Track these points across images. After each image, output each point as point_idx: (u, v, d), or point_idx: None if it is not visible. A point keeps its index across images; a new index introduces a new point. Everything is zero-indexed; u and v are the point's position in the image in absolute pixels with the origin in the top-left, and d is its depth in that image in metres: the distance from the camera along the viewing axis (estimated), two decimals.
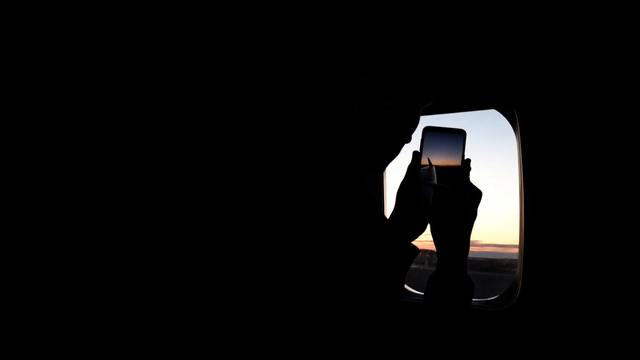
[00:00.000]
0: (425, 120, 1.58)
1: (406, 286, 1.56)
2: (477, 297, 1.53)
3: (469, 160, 0.90)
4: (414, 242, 0.92)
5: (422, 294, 0.98)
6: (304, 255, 0.83)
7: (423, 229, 0.90)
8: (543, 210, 1.35)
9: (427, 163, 0.90)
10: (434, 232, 0.93)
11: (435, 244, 0.93)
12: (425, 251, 1.03)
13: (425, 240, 0.95)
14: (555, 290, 1.32)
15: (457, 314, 0.89)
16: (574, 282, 1.30)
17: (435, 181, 0.88)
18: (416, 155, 0.92)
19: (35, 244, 1.47)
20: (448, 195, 0.88)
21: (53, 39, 1.57)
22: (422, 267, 1.56)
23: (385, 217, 1.01)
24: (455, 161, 0.88)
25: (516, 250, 1.45)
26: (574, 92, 1.31)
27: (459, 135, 0.87)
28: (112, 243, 1.37)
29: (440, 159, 0.89)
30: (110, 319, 1.24)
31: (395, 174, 1.59)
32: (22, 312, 1.41)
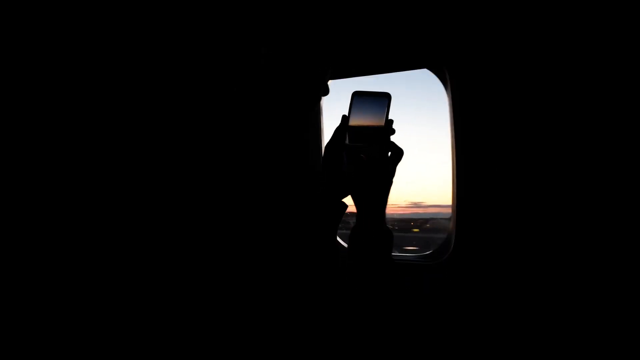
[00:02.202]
0: (360, 82, 1.60)
1: (341, 241, 1.60)
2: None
3: (391, 121, 0.92)
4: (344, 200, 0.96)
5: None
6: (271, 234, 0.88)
7: (350, 188, 0.94)
8: (474, 169, 1.40)
9: (355, 124, 0.93)
10: (355, 188, 0.96)
11: (355, 198, 0.96)
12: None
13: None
14: (486, 244, 1.40)
15: (381, 262, 0.93)
16: (503, 235, 1.38)
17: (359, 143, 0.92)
18: (344, 119, 0.95)
19: (35, 243, 1.47)
20: (370, 154, 0.92)
21: (53, 39, 1.54)
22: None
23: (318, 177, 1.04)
24: (379, 122, 0.91)
25: None
26: (504, 51, 1.34)
27: (384, 98, 0.90)
28: (111, 242, 1.37)
29: (366, 120, 0.92)
30: (110, 318, 1.24)
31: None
32: (22, 311, 1.41)
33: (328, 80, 1.06)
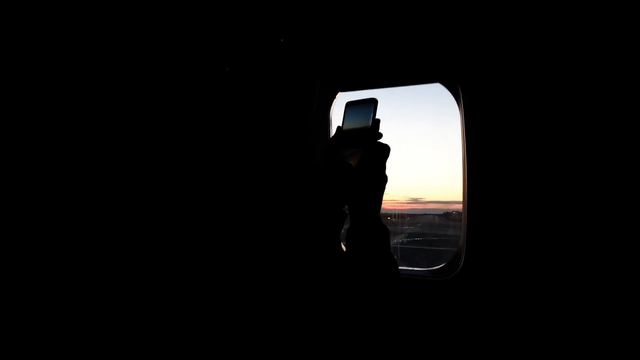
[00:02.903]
0: (372, 94, 1.60)
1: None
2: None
3: (377, 121, 0.95)
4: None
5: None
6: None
7: (349, 195, 0.95)
8: (485, 181, 1.39)
9: (348, 129, 0.99)
10: (352, 192, 0.97)
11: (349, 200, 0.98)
12: None
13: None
14: (497, 259, 1.38)
15: (380, 260, 0.93)
16: (514, 250, 1.36)
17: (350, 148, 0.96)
18: (337, 129, 1.00)
19: (35, 243, 1.46)
20: (358, 155, 0.95)
21: (53, 39, 1.55)
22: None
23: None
24: (367, 124, 0.95)
25: (457, 206, 1.50)
26: (514, 65, 1.35)
27: (370, 103, 0.96)
28: (111, 242, 1.35)
29: (356, 125, 0.97)
30: (110, 318, 1.22)
31: None
32: (22, 311, 1.40)
33: (317, 96, 1.08)
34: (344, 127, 0.99)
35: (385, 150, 0.96)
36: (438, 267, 1.56)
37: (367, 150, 0.94)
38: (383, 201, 0.99)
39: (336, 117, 1.71)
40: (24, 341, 1.36)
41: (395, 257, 0.95)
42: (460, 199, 1.49)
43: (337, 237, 0.95)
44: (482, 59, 1.38)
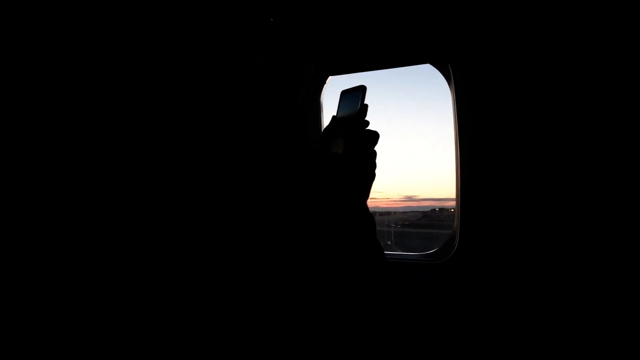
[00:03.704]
0: (365, 76, 1.58)
1: None
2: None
3: (365, 107, 0.94)
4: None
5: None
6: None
7: (349, 188, 0.93)
8: (478, 165, 1.38)
9: (341, 117, 0.99)
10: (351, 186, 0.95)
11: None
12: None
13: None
14: (490, 241, 1.38)
15: (368, 247, 0.92)
16: (507, 232, 1.36)
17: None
18: (332, 118, 1.01)
19: (35, 243, 1.44)
20: (345, 142, 0.94)
21: (53, 39, 1.53)
22: None
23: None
24: (355, 111, 0.95)
25: (451, 203, 1.49)
26: (507, 47, 1.33)
27: (359, 91, 0.96)
28: (111, 243, 1.35)
29: (346, 112, 0.97)
30: (110, 319, 1.22)
31: None
32: (22, 311, 1.39)
33: (306, 82, 1.07)
34: (338, 116, 0.99)
35: (373, 137, 0.95)
36: (432, 251, 1.56)
37: (353, 137, 0.93)
38: (377, 199, 0.98)
39: (327, 102, 1.69)
40: (23, 341, 1.36)
41: (381, 244, 0.94)
42: (454, 194, 1.48)
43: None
44: (473, 39, 1.36)
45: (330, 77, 1.64)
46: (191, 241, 0.92)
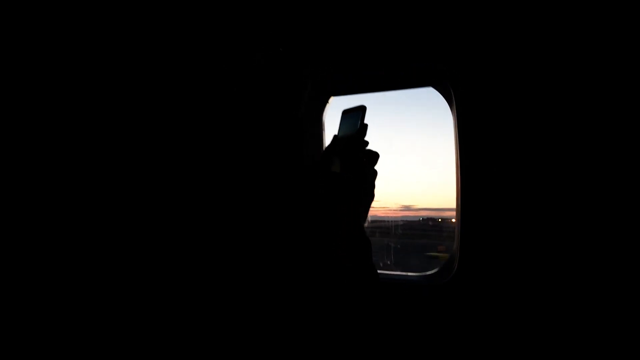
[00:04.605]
0: (365, 98, 1.60)
1: None
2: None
3: (364, 127, 0.94)
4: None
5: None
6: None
7: (334, 202, 0.91)
8: (478, 185, 1.39)
9: (341, 137, 0.99)
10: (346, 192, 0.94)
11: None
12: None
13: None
14: (491, 264, 1.37)
15: (364, 271, 0.89)
16: (508, 253, 1.35)
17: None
18: (333, 137, 1.00)
19: (35, 243, 1.45)
20: (344, 162, 0.93)
21: (53, 39, 1.55)
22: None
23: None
24: (355, 131, 0.95)
25: (450, 213, 1.49)
26: (507, 69, 1.34)
27: (359, 110, 0.96)
28: (110, 242, 1.35)
29: (347, 132, 0.97)
30: (109, 319, 1.22)
31: None
32: (22, 312, 1.39)
33: (305, 99, 1.06)
34: (339, 135, 0.99)
35: (372, 157, 0.94)
36: (432, 272, 1.55)
37: (351, 157, 0.93)
38: (375, 208, 0.98)
39: (329, 122, 1.70)
40: (23, 341, 1.36)
41: (376, 268, 0.91)
42: (453, 205, 1.48)
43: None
44: (474, 62, 1.38)
45: (332, 98, 1.66)
46: (189, 243, 0.92)
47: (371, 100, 1.63)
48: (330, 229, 0.91)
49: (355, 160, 0.93)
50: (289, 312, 0.86)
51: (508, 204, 1.35)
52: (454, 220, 1.51)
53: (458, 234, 1.44)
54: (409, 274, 1.60)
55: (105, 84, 1.57)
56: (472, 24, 1.37)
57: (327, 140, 1.68)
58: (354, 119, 0.96)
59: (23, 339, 1.36)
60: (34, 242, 1.45)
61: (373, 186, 0.95)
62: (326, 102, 1.65)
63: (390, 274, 1.62)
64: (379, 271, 0.97)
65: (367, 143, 0.96)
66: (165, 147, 1.13)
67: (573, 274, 1.28)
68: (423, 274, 1.56)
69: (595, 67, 1.25)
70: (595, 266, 1.26)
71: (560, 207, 1.29)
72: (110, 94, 1.57)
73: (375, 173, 0.95)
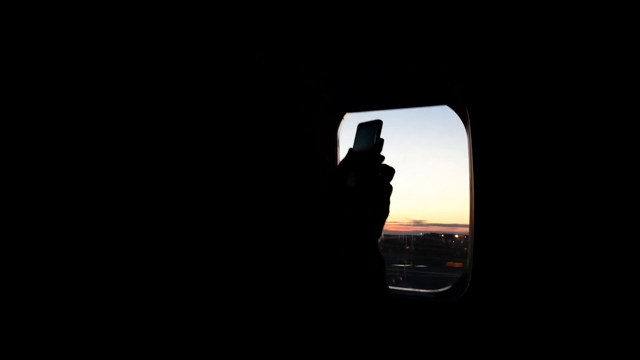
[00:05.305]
0: (380, 115, 1.62)
1: None
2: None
3: (380, 141, 0.93)
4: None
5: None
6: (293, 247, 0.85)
7: (345, 217, 0.89)
8: (492, 205, 1.39)
9: (357, 151, 0.98)
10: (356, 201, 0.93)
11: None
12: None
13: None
14: (504, 282, 1.37)
15: (377, 290, 0.88)
16: (523, 272, 1.35)
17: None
18: (348, 151, 0.99)
19: (35, 243, 1.44)
20: (360, 177, 0.93)
21: (53, 39, 1.55)
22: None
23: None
24: (371, 145, 0.94)
25: (460, 229, 1.49)
26: (521, 89, 1.36)
27: (375, 125, 0.95)
28: (111, 242, 1.35)
29: (363, 146, 0.97)
30: (109, 319, 1.21)
31: None
32: (22, 312, 1.38)
33: (323, 110, 1.06)
34: (354, 149, 0.98)
35: (388, 172, 0.93)
36: (444, 289, 1.55)
37: (367, 171, 0.92)
38: (386, 222, 0.95)
39: (344, 138, 1.72)
40: (23, 341, 1.34)
41: (389, 288, 0.90)
42: (464, 221, 1.49)
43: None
44: (490, 82, 1.40)
45: (347, 114, 1.68)
46: (191, 243, 0.92)
47: (386, 115, 1.65)
48: (331, 228, 0.90)
49: (371, 175, 0.92)
50: (289, 311, 0.85)
51: (522, 222, 1.35)
52: (457, 236, 1.51)
53: (471, 251, 1.45)
54: (420, 290, 1.60)
55: (105, 84, 1.56)
56: (491, 44, 1.39)
57: (342, 156, 1.70)
58: (370, 133, 0.95)
59: (23, 339, 1.35)
60: (34, 242, 1.44)
61: (388, 202, 0.94)
62: (341, 117, 1.67)
63: (401, 290, 1.62)
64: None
65: (383, 158, 0.95)
66: (165, 147, 1.13)
67: (593, 292, 1.28)
68: (435, 291, 1.56)
69: (612, 90, 1.27)
70: (614, 286, 1.26)
71: (576, 227, 1.30)
72: (110, 94, 1.56)
73: (390, 188, 0.95)
